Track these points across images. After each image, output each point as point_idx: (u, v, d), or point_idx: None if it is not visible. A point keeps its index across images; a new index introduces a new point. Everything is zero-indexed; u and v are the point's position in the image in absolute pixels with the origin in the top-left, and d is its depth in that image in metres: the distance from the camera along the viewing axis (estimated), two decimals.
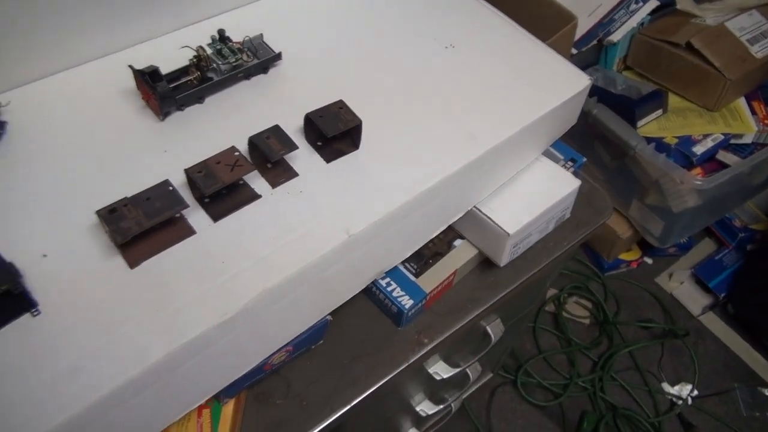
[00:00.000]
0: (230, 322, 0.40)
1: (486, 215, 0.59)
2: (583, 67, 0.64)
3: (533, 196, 0.61)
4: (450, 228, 0.61)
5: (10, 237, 0.41)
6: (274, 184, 0.48)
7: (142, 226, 0.40)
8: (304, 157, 0.50)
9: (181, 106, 0.51)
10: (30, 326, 0.37)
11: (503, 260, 0.62)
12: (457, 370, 0.75)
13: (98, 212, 0.41)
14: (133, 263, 0.41)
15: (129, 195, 0.43)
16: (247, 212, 0.46)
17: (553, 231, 0.69)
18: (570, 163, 0.72)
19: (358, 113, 0.51)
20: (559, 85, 0.62)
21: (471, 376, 0.87)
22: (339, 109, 0.51)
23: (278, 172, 0.49)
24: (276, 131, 0.48)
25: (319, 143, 0.51)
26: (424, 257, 0.61)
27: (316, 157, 0.51)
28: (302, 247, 0.44)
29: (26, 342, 0.37)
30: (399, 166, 0.51)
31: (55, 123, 0.49)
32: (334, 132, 0.49)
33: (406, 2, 0.67)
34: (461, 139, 0.54)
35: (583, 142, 1.34)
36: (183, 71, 0.52)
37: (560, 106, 0.61)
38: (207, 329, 0.39)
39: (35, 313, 0.38)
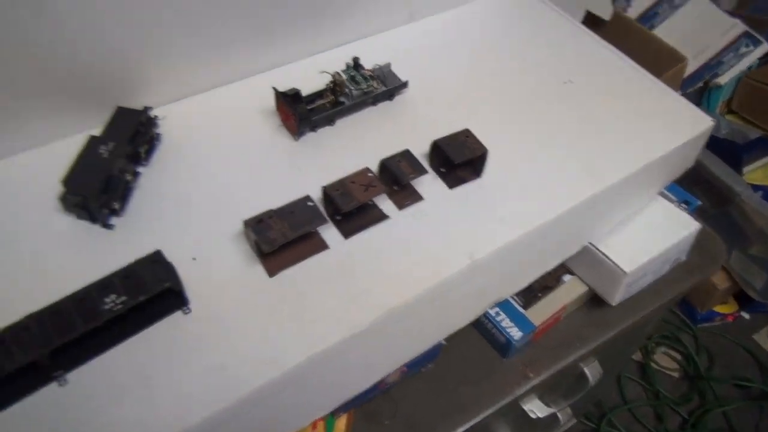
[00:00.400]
0: (360, 337, 0.41)
1: (602, 252, 0.58)
2: None
3: (651, 235, 0.60)
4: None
5: (165, 240, 0.44)
6: (400, 207, 0.49)
7: (287, 237, 0.42)
8: (428, 182, 0.52)
9: (314, 128, 0.54)
10: (181, 323, 0.40)
11: (616, 299, 0.61)
12: (552, 410, 0.73)
13: (246, 222, 0.43)
14: (272, 272, 0.43)
15: (266, 208, 0.45)
16: (376, 231, 0.48)
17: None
18: (684, 205, 0.70)
19: None
20: (681, 125, 0.60)
21: (561, 420, 0.85)
22: (466, 137, 0.52)
23: (405, 194, 0.50)
24: (407, 155, 0.50)
25: (443, 169, 0.53)
26: (533, 290, 0.61)
27: (440, 183, 0.52)
28: (428, 268, 0.45)
29: (178, 337, 0.39)
30: (521, 197, 0.51)
31: (202, 137, 0.53)
32: (461, 159, 0.50)
33: (524, 37, 0.68)
34: (582, 174, 0.54)
35: (682, 186, 1.29)
36: (318, 95, 0.55)
37: (681, 146, 0.59)
38: (339, 341, 0.41)
39: (186, 311, 0.40)
